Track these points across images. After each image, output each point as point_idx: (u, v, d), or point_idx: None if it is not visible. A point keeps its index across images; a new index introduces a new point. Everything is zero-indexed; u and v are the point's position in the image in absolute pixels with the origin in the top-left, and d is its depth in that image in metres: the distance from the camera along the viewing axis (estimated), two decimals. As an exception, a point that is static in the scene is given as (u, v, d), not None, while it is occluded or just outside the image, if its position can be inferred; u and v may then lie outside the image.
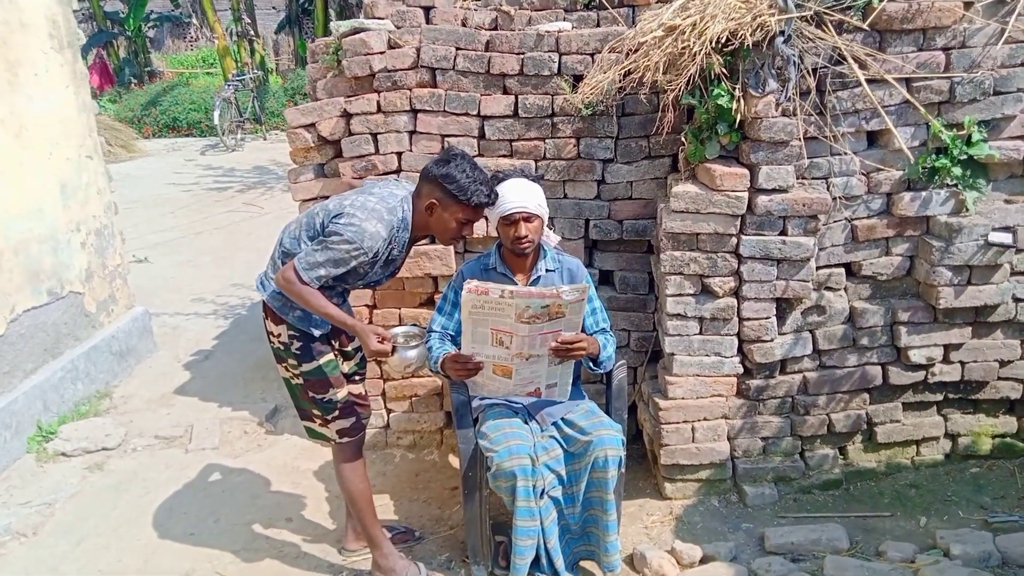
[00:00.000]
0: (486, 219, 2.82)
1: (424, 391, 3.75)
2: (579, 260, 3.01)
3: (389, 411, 3.81)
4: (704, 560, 2.88)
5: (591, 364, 2.85)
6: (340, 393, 2.76)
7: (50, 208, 4.27)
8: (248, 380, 4.53)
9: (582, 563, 2.91)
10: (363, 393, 2.96)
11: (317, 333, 2.68)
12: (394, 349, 2.63)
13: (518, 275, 2.88)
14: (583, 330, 2.86)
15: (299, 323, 2.67)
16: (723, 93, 2.94)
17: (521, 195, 2.74)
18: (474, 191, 2.56)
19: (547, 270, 2.89)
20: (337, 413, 2.78)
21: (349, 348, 2.90)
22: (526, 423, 2.86)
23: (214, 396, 4.37)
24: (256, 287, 2.76)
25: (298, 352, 2.70)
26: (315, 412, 2.81)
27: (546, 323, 2.59)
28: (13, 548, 3.23)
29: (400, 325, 2.87)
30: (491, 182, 2.66)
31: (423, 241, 3.50)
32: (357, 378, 2.96)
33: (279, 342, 2.72)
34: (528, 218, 2.75)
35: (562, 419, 2.85)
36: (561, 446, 2.81)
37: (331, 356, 2.75)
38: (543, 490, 2.76)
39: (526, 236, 2.76)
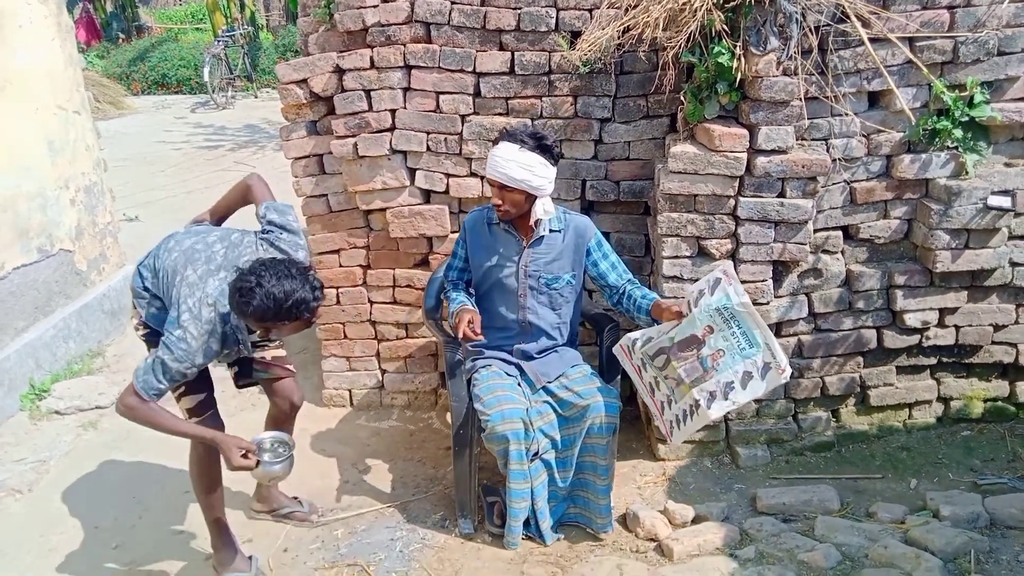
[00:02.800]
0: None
1: (418, 351, 3.75)
2: (587, 218, 2.96)
3: (383, 371, 3.81)
4: (696, 520, 2.91)
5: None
6: (194, 399, 2.63)
7: (38, 165, 4.20)
8: (241, 340, 4.52)
9: (569, 524, 2.93)
10: (266, 358, 2.83)
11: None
12: (258, 463, 2.50)
13: (520, 233, 2.85)
14: (608, 287, 2.89)
15: (151, 320, 2.61)
16: (724, 51, 2.88)
17: (503, 163, 2.65)
18: (296, 309, 2.29)
19: (551, 230, 2.85)
20: (184, 389, 2.61)
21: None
22: (519, 385, 2.86)
23: (207, 356, 4.35)
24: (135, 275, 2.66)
25: (144, 339, 2.68)
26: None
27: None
28: (9, 504, 3.24)
29: (269, 432, 2.70)
30: (307, 276, 2.34)
31: (417, 201, 3.47)
32: (269, 344, 2.84)
33: (133, 325, 2.74)
34: (503, 187, 2.69)
35: (557, 382, 2.85)
36: (555, 410, 2.81)
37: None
38: (536, 452, 2.77)
39: (499, 204, 2.72)
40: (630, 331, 3.55)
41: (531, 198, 2.74)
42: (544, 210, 2.77)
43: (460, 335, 2.74)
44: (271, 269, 2.29)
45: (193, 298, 2.42)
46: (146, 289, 2.63)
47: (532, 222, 2.79)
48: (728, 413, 2.62)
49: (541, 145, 2.68)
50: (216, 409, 2.73)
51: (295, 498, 3.11)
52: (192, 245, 2.56)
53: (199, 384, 2.64)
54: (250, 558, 2.80)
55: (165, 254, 2.59)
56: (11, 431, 3.75)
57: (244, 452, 2.46)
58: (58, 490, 3.31)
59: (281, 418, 2.94)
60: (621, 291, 2.87)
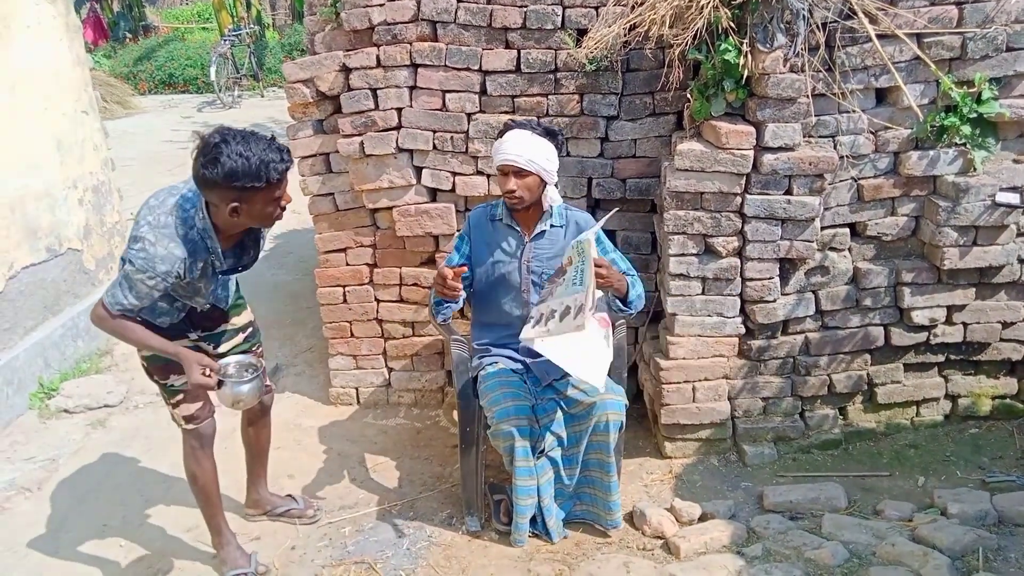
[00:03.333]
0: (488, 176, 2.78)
1: (425, 349, 3.75)
2: (588, 214, 2.97)
3: (390, 369, 3.82)
4: (703, 518, 2.90)
5: (619, 303, 2.75)
6: (183, 379, 2.50)
7: (46, 164, 4.22)
8: (249, 338, 4.53)
9: (576, 522, 2.94)
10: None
11: (159, 322, 2.49)
12: (221, 383, 2.39)
13: (522, 228, 2.85)
14: None
15: (143, 313, 2.49)
16: (730, 48, 2.87)
17: (516, 148, 2.66)
18: (265, 169, 2.17)
19: (552, 225, 2.85)
20: (182, 397, 2.58)
21: (219, 330, 2.71)
22: (525, 382, 2.86)
23: (215, 354, 4.37)
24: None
25: None
26: (162, 395, 2.64)
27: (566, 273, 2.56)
28: (19, 503, 3.26)
29: (237, 355, 2.62)
30: (272, 141, 2.25)
31: (423, 200, 3.47)
32: (256, 351, 2.80)
33: None
34: (519, 172, 2.68)
35: (563, 380, 2.85)
36: (561, 408, 2.81)
37: (180, 343, 2.51)
38: (542, 450, 2.77)
39: (514, 191, 2.70)
40: (637, 329, 3.57)
41: (543, 185, 2.75)
42: (553, 197, 2.81)
43: (440, 295, 2.67)
44: (235, 134, 2.19)
45: (151, 214, 2.30)
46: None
47: (545, 207, 2.81)
48: (552, 347, 2.56)
49: (549, 132, 2.75)
50: (214, 423, 2.73)
51: (289, 496, 3.12)
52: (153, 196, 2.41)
53: (196, 392, 2.57)
54: (250, 554, 2.81)
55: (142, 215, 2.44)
56: (21, 430, 3.77)
57: (206, 370, 2.35)
58: (67, 488, 3.33)
59: (254, 417, 2.94)
60: None
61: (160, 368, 2.57)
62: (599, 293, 2.61)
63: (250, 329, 2.81)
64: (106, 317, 2.32)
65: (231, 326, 2.74)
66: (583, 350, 2.54)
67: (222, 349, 2.72)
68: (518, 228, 2.85)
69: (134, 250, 2.26)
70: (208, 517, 2.78)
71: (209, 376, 2.35)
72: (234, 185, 2.17)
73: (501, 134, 2.77)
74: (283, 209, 2.34)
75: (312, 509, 3.08)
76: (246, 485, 3.09)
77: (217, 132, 2.21)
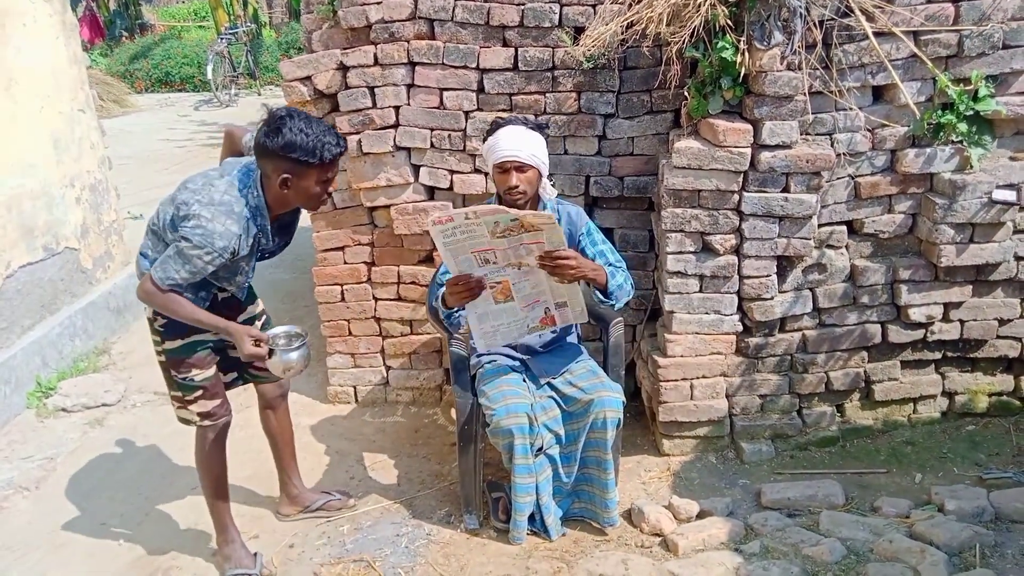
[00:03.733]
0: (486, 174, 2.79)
1: (423, 348, 3.75)
2: (580, 207, 2.98)
3: (388, 368, 3.82)
4: (701, 515, 2.91)
5: (599, 295, 2.72)
6: (204, 374, 2.60)
7: (43, 163, 4.22)
8: (246, 337, 4.53)
9: (574, 520, 2.94)
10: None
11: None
12: (271, 352, 2.47)
13: None
14: None
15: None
16: (727, 46, 2.88)
17: (515, 143, 2.67)
18: (322, 147, 2.31)
19: None
20: (200, 393, 2.62)
21: (242, 318, 2.74)
22: (524, 380, 2.86)
23: (213, 353, 4.37)
24: (136, 262, 2.62)
25: (161, 328, 2.54)
26: (174, 393, 2.65)
27: (525, 234, 2.51)
28: (16, 501, 3.25)
29: (283, 325, 2.66)
30: (332, 128, 2.40)
31: (421, 198, 3.47)
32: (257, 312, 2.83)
33: (148, 315, 2.58)
34: (520, 167, 2.69)
35: (562, 378, 2.85)
36: (559, 406, 2.81)
37: (201, 337, 2.56)
38: (540, 447, 2.78)
39: (517, 186, 2.70)
40: (635, 327, 3.58)
41: (540, 178, 2.76)
42: (549, 191, 2.84)
43: (461, 302, 2.67)
44: (301, 113, 2.35)
45: (201, 193, 2.37)
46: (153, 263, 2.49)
47: (545, 199, 2.83)
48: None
49: (539, 126, 2.79)
50: (230, 420, 2.75)
51: (326, 491, 3.11)
52: (184, 186, 2.49)
53: (216, 388, 2.65)
54: (255, 555, 2.80)
55: (153, 218, 2.52)
56: (18, 429, 3.77)
57: (256, 341, 2.44)
58: (65, 487, 3.33)
59: (274, 402, 2.95)
60: None
61: (182, 362, 2.58)
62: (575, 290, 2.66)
63: (264, 317, 2.86)
64: (155, 292, 2.37)
65: (247, 315, 2.77)
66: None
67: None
68: None
69: (188, 227, 2.33)
70: (215, 514, 2.78)
71: (260, 346, 2.43)
72: (290, 156, 2.30)
73: (490, 132, 2.77)
74: (329, 195, 2.48)
75: (352, 499, 3.08)
76: (279, 482, 3.06)
77: (285, 108, 2.38)
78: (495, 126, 2.76)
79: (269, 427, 3.00)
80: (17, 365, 3.91)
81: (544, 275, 2.62)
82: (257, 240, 2.47)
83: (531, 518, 2.83)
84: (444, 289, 2.71)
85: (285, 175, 2.35)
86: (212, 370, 2.65)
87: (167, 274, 2.36)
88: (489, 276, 2.62)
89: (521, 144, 2.67)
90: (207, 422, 2.67)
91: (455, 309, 2.76)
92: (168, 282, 2.36)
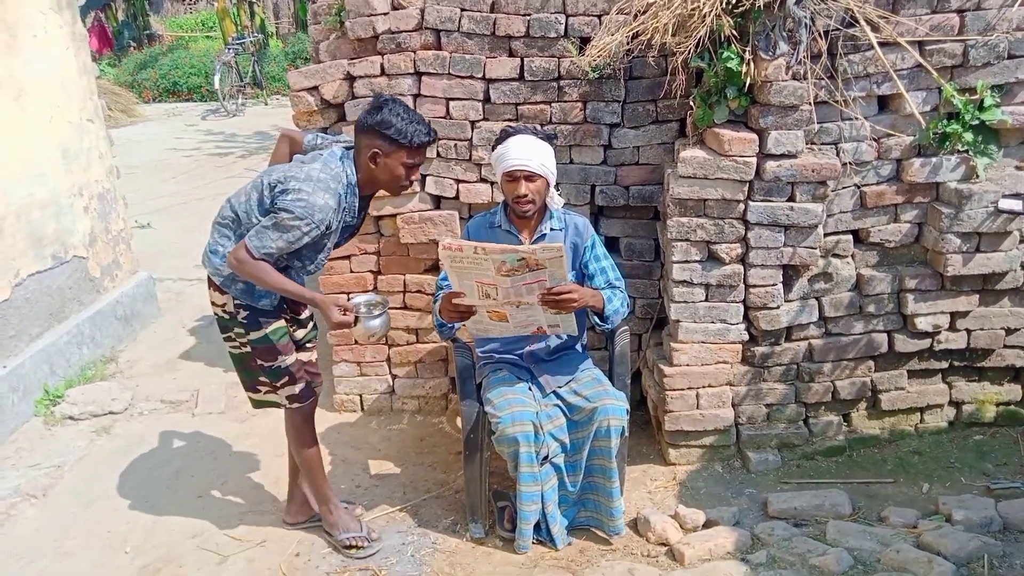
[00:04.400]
0: (493, 183, 2.80)
1: (428, 356, 3.76)
2: (586, 218, 2.99)
3: (394, 376, 3.82)
4: (707, 524, 2.90)
5: (596, 319, 2.81)
6: (289, 359, 2.76)
7: (52, 172, 4.24)
8: (253, 345, 4.54)
9: (580, 528, 2.93)
10: (312, 361, 2.94)
11: (261, 304, 2.66)
12: (356, 320, 2.60)
13: (523, 233, 2.87)
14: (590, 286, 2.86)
15: (242, 296, 2.64)
16: (733, 56, 2.89)
17: (525, 152, 2.70)
18: (413, 131, 2.52)
19: (552, 229, 2.87)
20: (287, 379, 2.78)
21: (303, 316, 2.89)
22: (530, 388, 2.87)
23: (219, 361, 4.38)
24: (202, 260, 2.70)
25: (244, 321, 2.68)
26: (262, 379, 2.79)
27: (528, 274, 2.56)
28: (24, 509, 3.26)
29: (362, 293, 2.83)
30: (427, 122, 2.59)
31: (427, 207, 3.48)
32: (309, 345, 2.94)
33: (224, 311, 2.70)
34: (530, 176, 2.72)
35: (567, 387, 2.85)
36: (564, 414, 2.82)
37: (280, 324, 2.73)
38: (546, 456, 2.78)
39: (526, 195, 2.73)
40: (641, 336, 3.58)
41: (547, 188, 2.79)
42: (556, 201, 2.88)
43: (451, 320, 2.78)
44: (403, 103, 2.58)
45: (297, 171, 2.52)
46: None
47: (552, 208, 2.87)
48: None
49: (548, 136, 2.82)
50: (316, 400, 2.89)
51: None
52: (268, 174, 2.63)
53: (300, 372, 2.80)
54: (360, 520, 2.94)
55: (234, 204, 2.65)
56: (26, 436, 3.78)
57: (343, 310, 2.55)
58: (72, 495, 3.34)
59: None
60: None
61: (269, 350, 2.72)
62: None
63: (313, 320, 2.97)
64: (247, 260, 2.48)
65: (305, 315, 2.91)
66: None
67: (298, 335, 2.88)
68: (518, 234, 2.87)
69: (288, 200, 2.46)
70: (314, 486, 2.94)
71: (346, 315, 2.55)
72: (383, 132, 2.51)
73: (500, 141, 2.79)
74: (411, 183, 2.64)
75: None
76: (288, 488, 3.12)
77: (388, 95, 2.64)
78: (504, 135, 2.78)
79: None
80: (25, 373, 3.93)
81: (540, 308, 2.68)
82: (344, 218, 2.61)
83: (537, 527, 2.83)
84: (441, 299, 2.77)
85: (375, 150, 2.54)
86: (293, 355, 2.79)
87: (263, 243, 2.48)
88: (487, 307, 2.70)
89: (531, 154, 2.69)
90: (296, 404, 2.82)
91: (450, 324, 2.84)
92: (263, 251, 2.48)
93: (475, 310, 2.70)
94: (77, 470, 3.52)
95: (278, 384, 2.79)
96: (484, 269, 2.56)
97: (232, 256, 2.52)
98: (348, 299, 2.73)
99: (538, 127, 2.88)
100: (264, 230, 2.48)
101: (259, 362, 2.74)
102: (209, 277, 2.69)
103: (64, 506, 3.27)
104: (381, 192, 2.72)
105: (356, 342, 3.69)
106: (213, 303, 2.74)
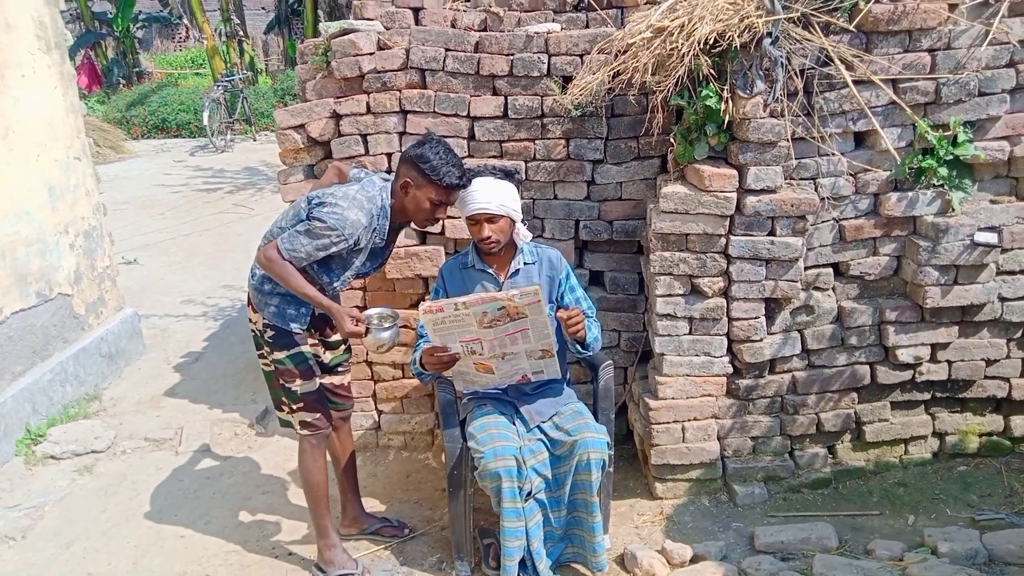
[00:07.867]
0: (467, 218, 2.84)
1: (414, 392, 3.75)
2: (558, 251, 3.03)
3: (380, 412, 3.81)
4: (694, 559, 2.89)
5: (579, 347, 2.86)
6: (307, 387, 2.84)
7: (38, 210, 4.25)
8: (238, 382, 4.52)
9: (567, 565, 2.91)
10: (345, 384, 3.06)
11: (291, 327, 2.76)
12: (368, 330, 2.68)
13: (494, 267, 2.90)
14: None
15: (273, 318, 2.75)
16: (711, 94, 2.95)
17: (484, 195, 2.75)
18: (445, 172, 2.63)
19: (525, 263, 2.91)
20: (301, 405, 2.85)
21: (333, 339, 2.97)
22: (513, 423, 2.86)
23: (204, 398, 4.35)
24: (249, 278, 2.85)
25: (271, 340, 2.79)
26: (284, 399, 2.89)
27: (510, 323, 2.64)
28: (2, 552, 3.21)
29: (375, 307, 2.95)
30: (464, 168, 2.72)
31: (412, 242, 3.51)
32: (340, 369, 3.04)
33: (256, 329, 2.82)
34: (491, 218, 2.77)
35: (550, 422, 2.85)
36: (547, 449, 2.81)
37: (304, 349, 2.81)
38: (529, 492, 2.77)
39: (489, 237, 2.79)
40: (626, 369, 3.59)
41: (513, 225, 2.83)
42: (523, 234, 2.93)
43: (436, 371, 2.83)
44: (447, 145, 2.72)
45: (336, 191, 2.66)
46: (265, 279, 2.75)
47: (519, 244, 2.91)
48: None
49: (507, 173, 2.86)
50: (328, 432, 2.94)
51: (384, 518, 3.23)
52: (309, 195, 2.75)
53: (316, 403, 2.86)
54: (356, 559, 2.93)
55: (278, 222, 2.76)
56: (6, 477, 3.73)
57: (355, 320, 2.64)
58: (52, 536, 3.29)
59: (336, 426, 3.07)
60: None
61: (287, 372, 2.81)
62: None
63: (346, 344, 3.04)
64: (276, 259, 2.61)
65: (335, 338, 2.97)
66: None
67: (327, 358, 2.98)
68: (491, 272, 2.90)
69: (324, 211, 2.59)
70: (316, 518, 2.95)
71: (357, 325, 2.64)
72: (419, 165, 2.65)
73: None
74: (437, 219, 2.77)
75: (406, 528, 3.19)
76: (341, 503, 3.20)
77: (436, 135, 2.77)
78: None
79: (332, 449, 3.12)
80: (7, 412, 3.89)
81: (524, 357, 2.75)
82: (374, 239, 2.72)
83: (523, 564, 2.81)
84: (422, 351, 2.81)
85: (408, 180, 2.68)
86: (314, 384, 2.86)
87: (293, 246, 2.60)
88: (474, 359, 2.76)
89: (490, 196, 2.74)
90: (306, 431, 2.89)
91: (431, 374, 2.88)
92: (292, 253, 2.60)
93: (459, 356, 2.74)
94: (57, 511, 3.47)
95: (294, 407, 2.87)
96: (466, 325, 2.63)
97: (263, 253, 2.64)
98: (362, 311, 2.81)
99: (495, 165, 2.91)
100: (296, 234, 2.61)
101: (281, 381, 2.84)
102: (248, 295, 2.83)
103: (43, 548, 3.22)
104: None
105: (367, 357, 3.71)
106: (249, 319, 2.86)
